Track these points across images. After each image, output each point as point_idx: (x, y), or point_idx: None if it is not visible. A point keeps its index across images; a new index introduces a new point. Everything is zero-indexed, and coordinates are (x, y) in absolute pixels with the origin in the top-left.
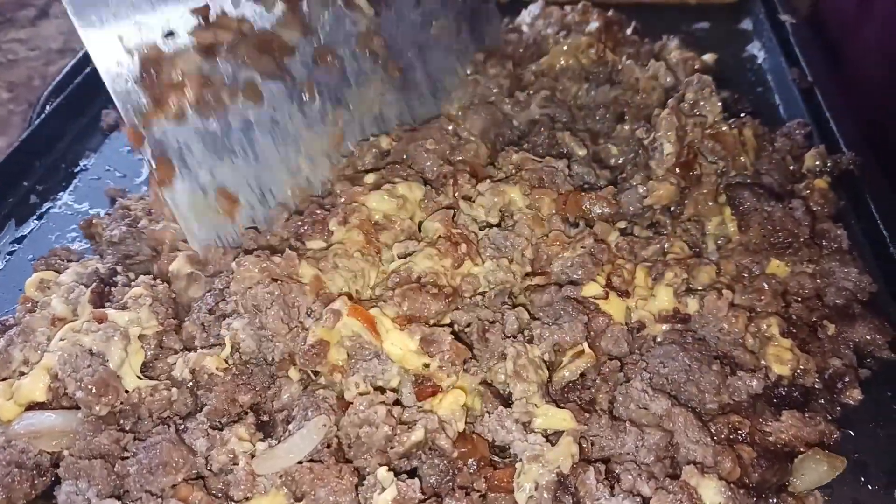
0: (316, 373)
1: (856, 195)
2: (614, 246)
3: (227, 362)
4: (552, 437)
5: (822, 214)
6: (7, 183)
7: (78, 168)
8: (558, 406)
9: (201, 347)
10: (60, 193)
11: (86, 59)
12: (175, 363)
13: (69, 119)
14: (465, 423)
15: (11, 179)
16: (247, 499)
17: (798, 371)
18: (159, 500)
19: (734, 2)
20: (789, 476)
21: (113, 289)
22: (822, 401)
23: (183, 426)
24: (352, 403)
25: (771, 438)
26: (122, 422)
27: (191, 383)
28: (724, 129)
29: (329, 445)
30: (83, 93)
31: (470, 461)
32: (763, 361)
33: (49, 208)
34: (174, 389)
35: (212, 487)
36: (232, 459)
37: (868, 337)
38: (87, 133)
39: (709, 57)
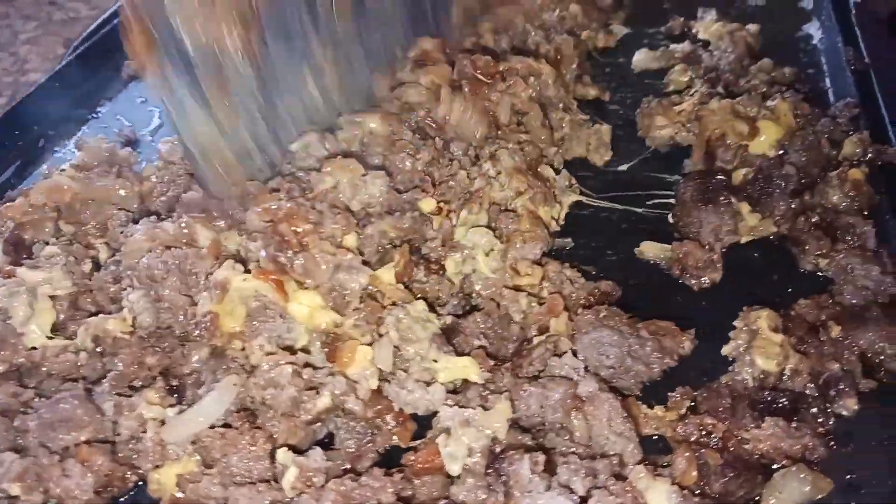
0: None
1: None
2: None
3: (132, 325)
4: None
5: (852, 208)
6: (19, 125)
7: (91, 116)
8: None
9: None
10: (67, 141)
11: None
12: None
13: (90, 67)
14: (379, 379)
15: (23, 122)
16: (156, 467)
17: (787, 371)
18: (57, 457)
19: None
20: (761, 490)
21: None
22: (815, 410)
23: (91, 391)
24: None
25: (747, 447)
26: (25, 379)
27: (99, 349)
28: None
29: (241, 410)
30: (109, 43)
31: (388, 418)
32: (748, 356)
33: (55, 153)
34: (82, 353)
35: (120, 455)
36: (141, 426)
37: (878, 344)
38: (106, 82)
39: (753, 28)
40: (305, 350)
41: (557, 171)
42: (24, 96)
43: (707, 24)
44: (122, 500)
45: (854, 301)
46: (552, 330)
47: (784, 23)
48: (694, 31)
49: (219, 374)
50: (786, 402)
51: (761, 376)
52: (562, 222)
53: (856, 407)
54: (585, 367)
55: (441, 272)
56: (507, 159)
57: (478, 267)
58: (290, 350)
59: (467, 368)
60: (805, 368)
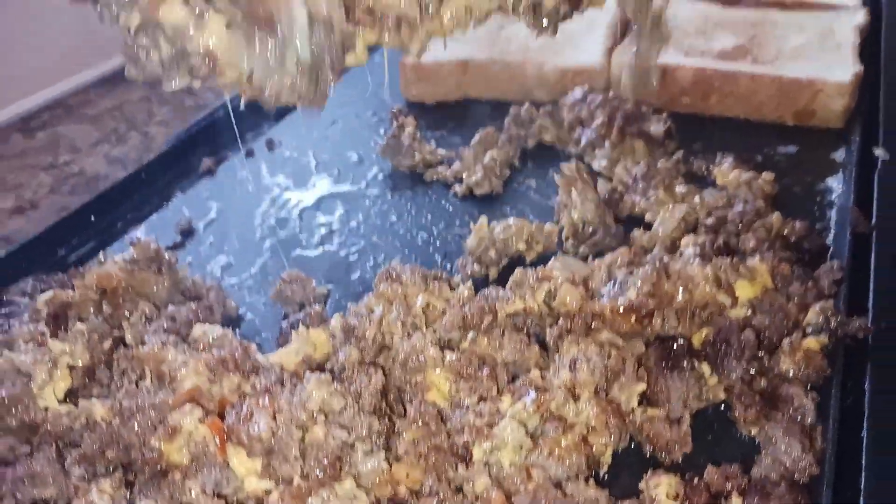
0: None
1: (851, 369)
2: None
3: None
4: None
5: (798, 378)
6: (105, 208)
7: (163, 204)
8: None
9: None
10: (139, 225)
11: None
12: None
13: (172, 163)
14: None
15: (108, 206)
16: None
17: None
18: None
19: (839, 127)
20: None
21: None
22: None
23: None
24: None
25: None
26: (30, 436)
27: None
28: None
29: None
30: (192, 142)
31: None
32: None
33: (126, 235)
34: (77, 421)
35: None
36: None
37: None
38: (182, 176)
39: (768, 176)
40: None
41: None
42: (118, 181)
43: (724, 171)
44: None
45: (766, 474)
46: None
47: (811, 173)
48: (712, 177)
49: (150, 492)
50: None
51: None
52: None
53: None
54: None
55: (469, 460)
56: (586, 370)
57: (499, 458)
58: (225, 499)
59: None
60: None
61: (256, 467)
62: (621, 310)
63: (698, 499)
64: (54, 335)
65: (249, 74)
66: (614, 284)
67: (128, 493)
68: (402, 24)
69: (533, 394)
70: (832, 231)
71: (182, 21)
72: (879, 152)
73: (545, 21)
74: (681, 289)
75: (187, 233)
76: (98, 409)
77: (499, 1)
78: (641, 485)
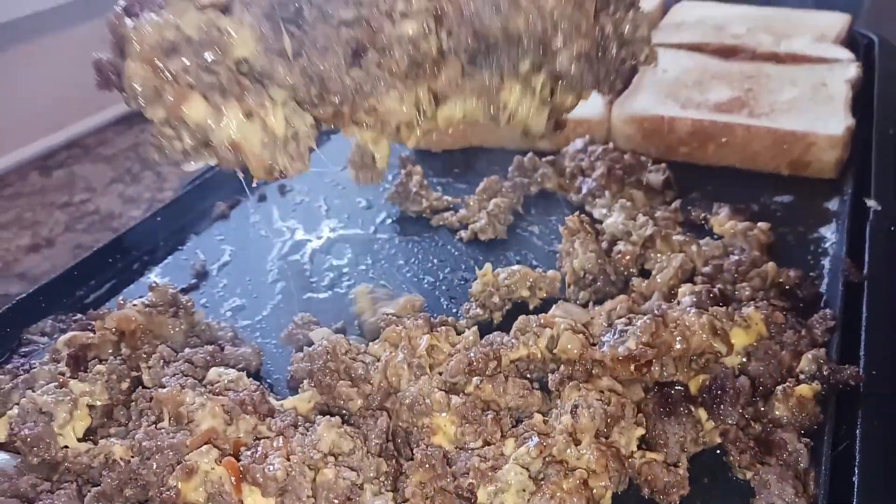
0: None
1: (844, 415)
2: None
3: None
4: None
5: (791, 424)
6: (122, 249)
7: (178, 248)
8: None
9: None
10: (154, 267)
11: None
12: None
13: (188, 206)
14: None
15: (126, 247)
16: None
17: None
18: None
19: (832, 178)
20: None
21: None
22: None
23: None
24: None
25: None
26: (51, 473)
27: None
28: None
29: None
30: (208, 186)
31: None
32: None
33: (143, 276)
34: (97, 459)
35: None
36: None
37: None
38: (198, 219)
39: (764, 226)
40: None
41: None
42: (135, 224)
43: (721, 220)
44: None
45: None
46: None
47: (805, 222)
48: (709, 225)
49: None
50: None
51: None
52: None
53: None
54: None
55: (473, 502)
56: (586, 416)
57: (503, 500)
58: None
59: None
60: None
61: None
62: (621, 358)
63: None
64: (74, 376)
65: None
66: (614, 333)
67: None
68: (400, 127)
69: (536, 438)
70: (826, 279)
71: (204, 118)
72: (871, 203)
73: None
74: (678, 337)
75: (202, 275)
76: (117, 448)
77: (491, 115)
78: None
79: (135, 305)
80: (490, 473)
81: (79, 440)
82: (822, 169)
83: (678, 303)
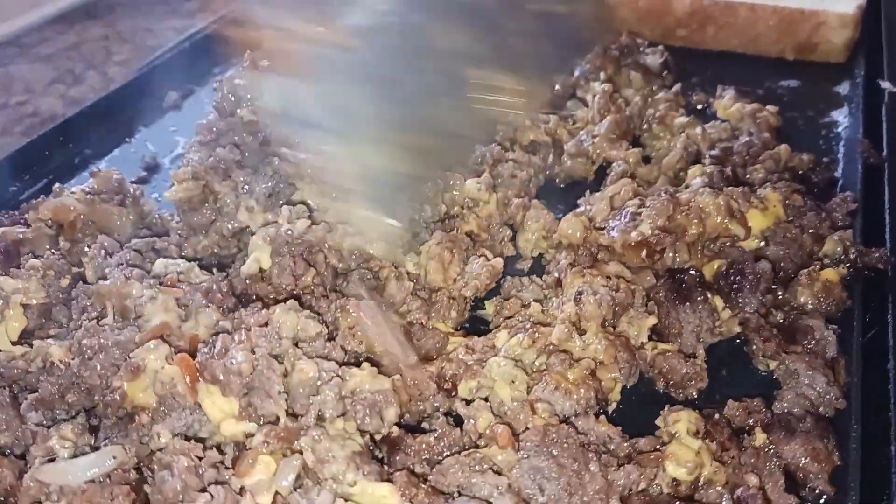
0: None
1: (872, 300)
2: None
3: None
4: None
5: (817, 311)
6: (61, 142)
7: (125, 140)
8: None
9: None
10: (99, 161)
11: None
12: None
13: (136, 96)
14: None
15: (65, 140)
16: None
17: (702, 481)
18: None
19: (840, 62)
20: None
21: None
22: None
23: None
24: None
25: None
26: None
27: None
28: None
29: (135, 469)
30: (158, 74)
31: None
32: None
33: (85, 170)
34: (33, 364)
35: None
36: (48, 455)
37: (803, 460)
38: (148, 111)
39: (773, 108)
40: (220, 449)
41: None
42: (71, 114)
43: (726, 104)
44: None
45: (789, 409)
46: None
47: (814, 107)
48: (712, 110)
49: (116, 437)
50: None
51: (674, 483)
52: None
53: None
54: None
55: (453, 393)
56: (592, 303)
57: (497, 395)
58: (202, 442)
59: (386, 498)
60: (720, 479)
61: (234, 408)
62: (633, 244)
63: (720, 435)
64: (6, 272)
65: None
66: (624, 216)
67: (92, 439)
68: None
69: (529, 328)
70: (840, 164)
71: None
72: (886, 85)
73: None
74: (694, 220)
75: (152, 168)
76: (56, 350)
77: None
78: (658, 421)
79: (73, 193)
80: (476, 368)
81: (13, 343)
82: (831, 52)
83: (686, 186)
